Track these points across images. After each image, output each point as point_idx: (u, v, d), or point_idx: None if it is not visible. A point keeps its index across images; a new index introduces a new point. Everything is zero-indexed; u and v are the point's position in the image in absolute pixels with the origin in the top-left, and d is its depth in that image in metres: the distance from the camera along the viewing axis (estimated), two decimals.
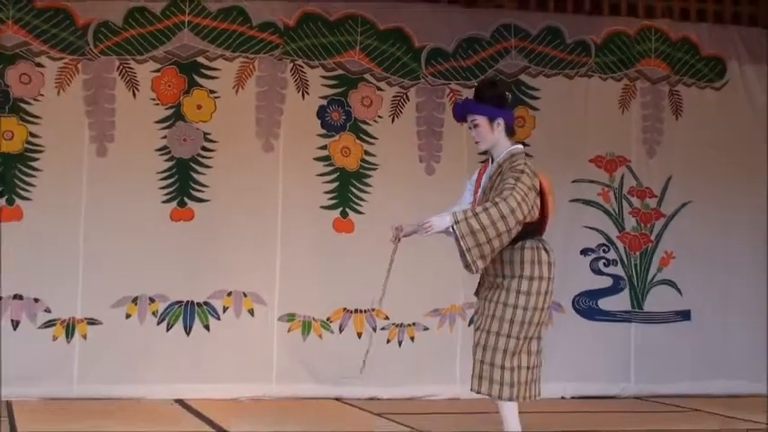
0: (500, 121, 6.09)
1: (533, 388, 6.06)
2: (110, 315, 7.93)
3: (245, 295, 8.15)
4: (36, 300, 7.82)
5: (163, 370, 7.95)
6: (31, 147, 7.88)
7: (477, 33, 8.67)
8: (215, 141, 8.16)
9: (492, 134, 6.10)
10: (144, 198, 8.02)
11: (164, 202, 8.07)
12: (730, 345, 8.92)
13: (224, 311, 8.11)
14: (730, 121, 9.08)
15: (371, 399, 8.18)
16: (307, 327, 8.25)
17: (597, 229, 8.82)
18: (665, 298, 8.90)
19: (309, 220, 8.28)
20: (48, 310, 7.84)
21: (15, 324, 7.78)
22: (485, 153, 6.26)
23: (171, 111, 8.12)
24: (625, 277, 8.84)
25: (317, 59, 8.38)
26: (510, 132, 6.17)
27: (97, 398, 7.72)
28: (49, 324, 7.84)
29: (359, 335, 8.30)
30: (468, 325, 8.13)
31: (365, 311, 8.32)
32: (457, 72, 8.61)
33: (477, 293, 6.22)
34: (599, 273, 8.81)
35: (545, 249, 6.06)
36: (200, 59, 8.17)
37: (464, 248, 5.79)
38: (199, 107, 8.16)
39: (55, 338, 7.85)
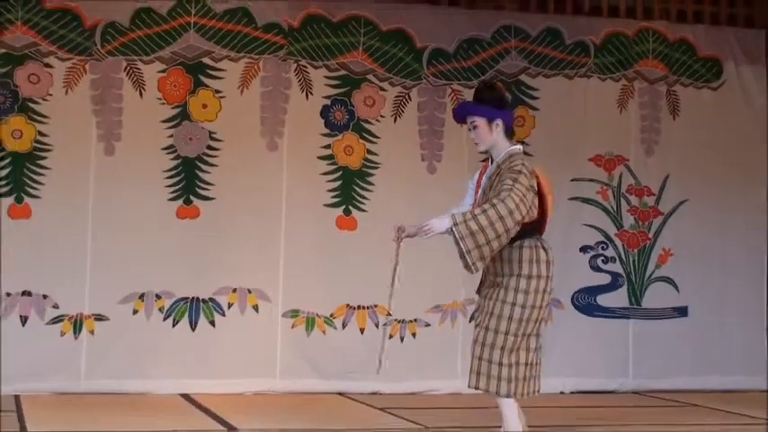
0: (498, 122, 6.08)
1: (532, 384, 6.05)
2: (117, 311, 7.91)
3: (249, 292, 8.13)
4: (44, 296, 7.80)
5: (169, 365, 7.94)
6: (39, 146, 7.86)
7: (477, 34, 8.65)
8: (220, 140, 8.14)
9: (490, 135, 6.09)
10: (150, 196, 8.00)
11: (170, 199, 8.05)
12: (727, 341, 8.91)
13: (229, 308, 8.10)
14: (727, 121, 9.06)
15: (374, 394, 8.15)
16: (310, 323, 8.23)
17: (596, 227, 8.80)
18: (662, 295, 8.88)
19: (313, 217, 8.26)
20: (56, 306, 7.82)
21: (24, 320, 7.77)
22: (485, 153, 6.23)
23: (177, 110, 8.10)
24: (623, 274, 8.82)
25: (320, 60, 8.36)
26: (509, 133, 6.17)
27: (104, 393, 7.70)
28: (57, 320, 7.83)
29: (362, 331, 8.30)
30: (469, 321, 8.10)
31: (368, 308, 8.31)
32: (458, 72, 8.59)
33: (478, 291, 6.21)
34: (598, 270, 8.79)
35: (543, 248, 6.04)
36: (206, 60, 8.15)
37: (464, 250, 5.79)
38: (204, 107, 8.14)
39: (63, 334, 7.83)
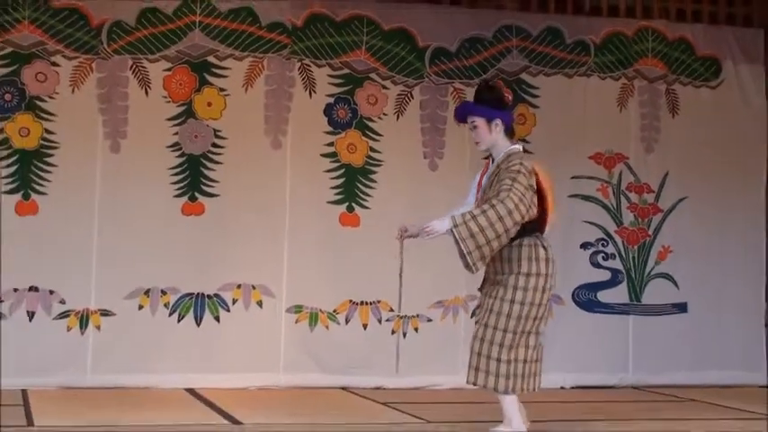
0: (498, 122, 6.08)
1: (531, 381, 6.03)
2: (123, 306, 7.89)
3: (253, 287, 8.11)
4: (51, 291, 7.79)
5: (174, 360, 7.92)
6: (46, 143, 7.85)
7: (479, 33, 8.63)
8: (225, 138, 8.13)
9: (490, 135, 6.10)
10: (156, 193, 7.98)
11: (175, 196, 8.03)
12: (726, 336, 8.89)
13: (233, 303, 8.08)
14: (725, 120, 9.04)
15: (377, 388, 8.13)
16: (314, 318, 8.21)
17: (596, 224, 8.77)
18: (662, 291, 8.86)
19: (316, 214, 8.24)
20: (62, 302, 7.80)
21: (31, 315, 7.75)
22: (487, 153, 6.23)
23: (182, 108, 8.08)
24: (623, 271, 8.80)
25: (324, 59, 8.33)
26: (509, 133, 6.17)
27: (110, 387, 7.68)
28: (64, 315, 7.81)
29: (364, 326, 8.28)
30: (471, 317, 8.10)
31: (371, 303, 8.29)
32: (459, 71, 8.57)
33: (481, 289, 6.20)
34: (598, 266, 8.77)
35: (543, 246, 6.04)
36: (211, 59, 8.13)
37: (464, 251, 5.81)
38: (209, 105, 8.12)
39: (69, 329, 7.81)
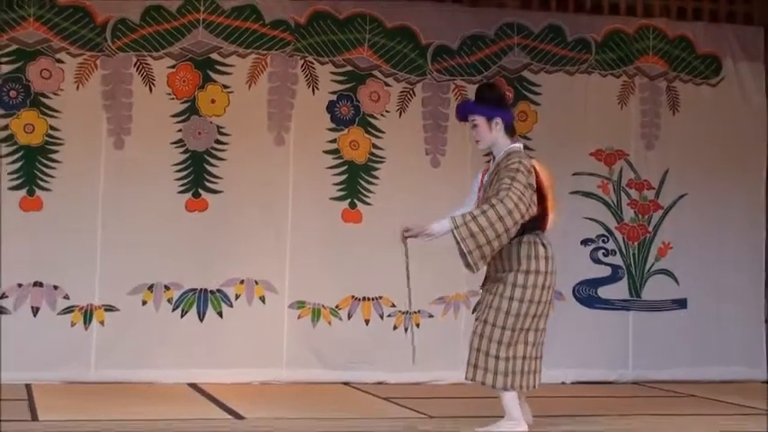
0: (498, 120, 6.09)
1: (531, 378, 6.02)
2: (126, 302, 7.87)
3: (256, 283, 8.09)
4: (55, 287, 7.76)
5: (177, 355, 7.90)
6: (50, 140, 7.82)
7: (480, 31, 8.60)
8: (228, 135, 8.10)
9: (490, 133, 6.10)
10: (159, 189, 7.96)
11: (179, 193, 8.01)
12: (726, 332, 8.86)
13: (236, 299, 8.06)
14: (725, 117, 9.01)
15: (379, 383, 8.11)
16: (316, 314, 8.19)
17: (597, 220, 8.75)
18: (662, 287, 8.83)
19: (319, 210, 8.22)
20: (66, 297, 7.78)
21: (35, 310, 7.73)
22: (489, 152, 6.23)
23: (186, 105, 8.05)
24: (624, 267, 8.78)
25: (326, 56, 8.31)
26: (510, 131, 6.16)
27: (114, 382, 7.66)
28: (68, 311, 7.79)
29: (366, 322, 8.27)
30: (472, 313, 8.07)
31: (373, 299, 8.27)
32: (461, 68, 8.54)
33: (482, 286, 6.20)
34: (598, 262, 8.75)
35: (542, 244, 6.03)
36: (215, 56, 8.10)
37: (465, 251, 5.82)
38: (213, 102, 8.10)
39: (73, 324, 7.79)
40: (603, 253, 8.75)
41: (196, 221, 8.01)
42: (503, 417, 6.05)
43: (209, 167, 8.06)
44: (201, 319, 8.00)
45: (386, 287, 8.16)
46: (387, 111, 8.41)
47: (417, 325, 8.32)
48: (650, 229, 8.85)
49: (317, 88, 8.28)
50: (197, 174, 8.03)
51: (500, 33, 8.62)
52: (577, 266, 8.62)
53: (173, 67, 8.03)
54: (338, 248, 8.24)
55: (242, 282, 8.07)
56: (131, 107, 7.95)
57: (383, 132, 8.39)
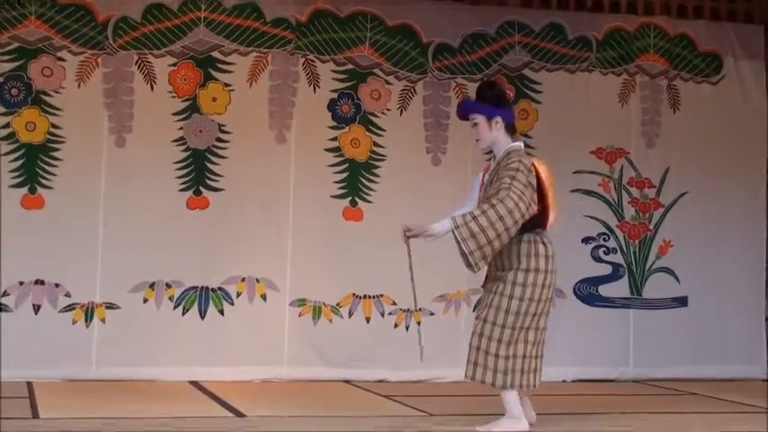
0: (498, 119, 6.07)
1: (531, 377, 6.01)
2: (128, 300, 7.86)
3: (257, 281, 8.07)
4: (56, 285, 7.75)
5: (178, 353, 7.88)
6: (52, 137, 7.81)
7: (481, 29, 8.59)
8: (229, 133, 8.09)
9: (490, 132, 6.09)
10: (161, 187, 7.95)
11: (180, 190, 7.99)
12: (726, 330, 8.85)
13: (237, 297, 8.04)
14: (726, 115, 9.00)
15: (380, 381, 8.10)
16: (317, 312, 8.18)
17: (597, 219, 8.74)
18: (663, 285, 8.82)
19: (320, 208, 8.21)
20: (68, 295, 7.77)
21: (37, 308, 7.72)
22: (490, 152, 6.23)
23: (187, 103, 8.04)
24: (624, 265, 8.76)
25: (327, 54, 8.29)
26: (510, 130, 6.15)
27: (115, 380, 7.65)
28: (69, 308, 7.78)
29: (367, 320, 8.26)
30: (473, 311, 8.05)
31: (374, 297, 8.26)
32: (462, 67, 8.53)
33: (483, 285, 6.19)
34: (599, 260, 8.73)
35: (542, 242, 6.02)
36: (216, 54, 8.09)
37: (466, 251, 5.81)
38: (214, 100, 8.08)
39: (74, 322, 7.78)
40: (604, 251, 8.74)
41: (197, 219, 7.99)
42: (504, 415, 6.03)
43: (210, 165, 8.04)
44: (203, 317, 7.99)
45: (387, 285, 8.15)
46: (388, 109, 8.40)
47: (418, 323, 8.30)
48: (651, 227, 8.83)
49: (318, 86, 8.27)
50: (198, 172, 8.02)
51: (501, 31, 8.61)
52: (578, 264, 8.61)
53: (174, 65, 8.01)
54: (339, 246, 8.22)
55: (243, 279, 8.06)
56: (132, 105, 7.94)
57: (384, 130, 8.38)
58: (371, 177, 8.33)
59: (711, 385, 8.29)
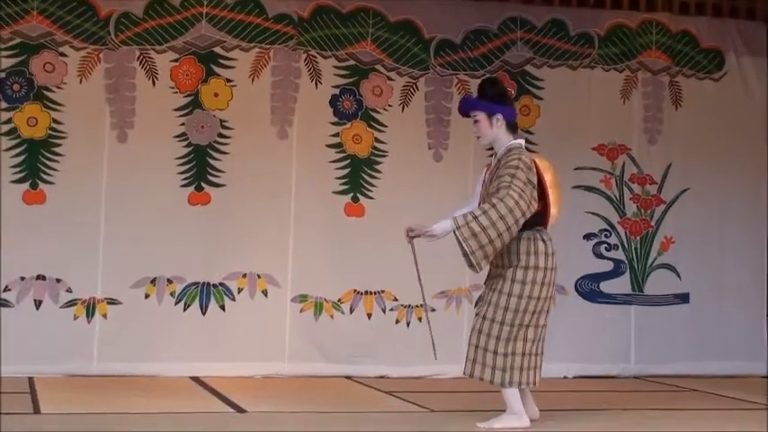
0: (499, 116, 6.08)
1: (530, 375, 6.00)
2: (129, 295, 7.84)
3: (259, 277, 8.05)
4: (58, 280, 7.73)
5: (180, 349, 7.86)
6: (54, 133, 7.79)
7: (483, 26, 8.56)
8: (231, 128, 8.06)
9: (491, 130, 6.09)
10: (162, 183, 7.93)
11: (182, 186, 7.97)
12: (728, 327, 8.83)
13: (239, 292, 8.02)
14: (728, 112, 8.97)
15: (381, 377, 8.08)
16: (318, 307, 8.15)
17: (599, 215, 8.71)
18: (664, 281, 8.79)
19: (322, 204, 8.18)
20: (69, 291, 7.74)
21: (38, 304, 7.69)
22: (491, 148, 6.22)
23: (189, 99, 8.01)
24: (626, 261, 8.74)
25: (329, 50, 8.27)
26: (511, 128, 6.14)
27: (116, 375, 7.63)
28: (71, 304, 7.75)
29: (369, 316, 8.23)
30: (474, 307, 8.03)
31: (375, 293, 8.24)
32: (464, 63, 8.50)
33: (485, 282, 6.19)
34: (601, 257, 8.71)
35: (543, 240, 6.01)
36: (218, 50, 8.06)
37: (467, 251, 5.81)
38: (216, 95, 8.06)
39: (76, 318, 7.76)
40: (606, 247, 8.71)
41: (199, 215, 7.97)
42: (504, 411, 6.01)
43: (211, 161, 8.02)
44: (204, 313, 7.97)
45: (388, 281, 8.14)
46: (389, 105, 8.37)
47: (419, 319, 8.28)
48: (652, 223, 8.81)
49: (320, 82, 8.24)
50: (200, 167, 7.99)
51: (503, 28, 8.58)
52: (580, 261, 8.58)
53: (176, 60, 7.99)
54: (341, 242, 8.20)
55: (244, 275, 8.03)
56: (134, 101, 7.91)
57: (386, 126, 8.35)
58: (373, 173, 8.30)
59: (713, 382, 8.27)
